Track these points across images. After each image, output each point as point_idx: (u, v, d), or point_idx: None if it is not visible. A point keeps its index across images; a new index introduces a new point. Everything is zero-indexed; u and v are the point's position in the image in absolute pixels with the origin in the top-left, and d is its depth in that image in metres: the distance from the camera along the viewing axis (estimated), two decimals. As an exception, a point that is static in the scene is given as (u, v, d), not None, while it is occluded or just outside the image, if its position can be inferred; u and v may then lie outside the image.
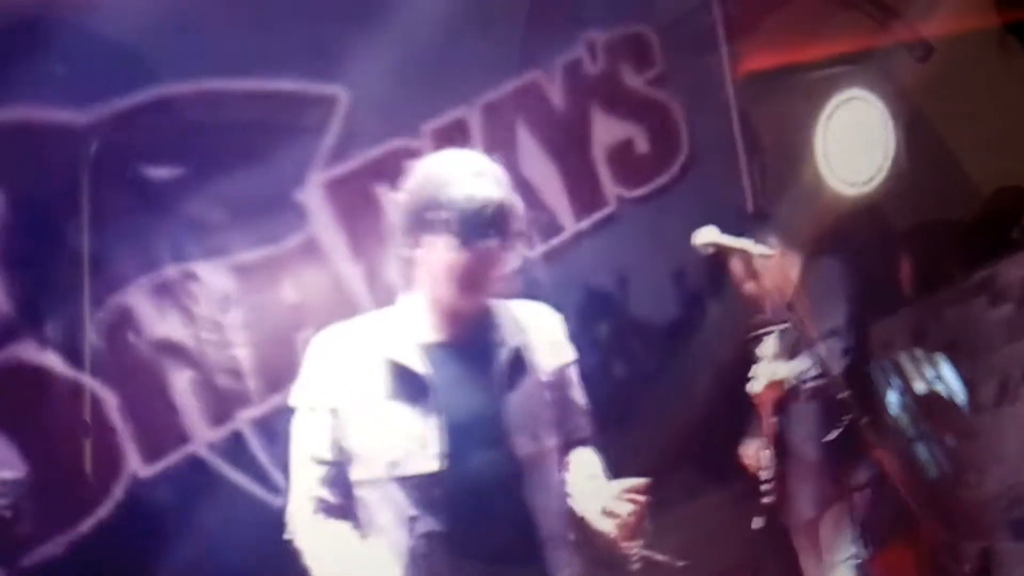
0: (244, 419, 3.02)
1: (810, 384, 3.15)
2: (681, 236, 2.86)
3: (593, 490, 2.26)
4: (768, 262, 3.04)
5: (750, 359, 3.25)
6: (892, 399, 4.27)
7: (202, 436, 2.95)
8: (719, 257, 3.02)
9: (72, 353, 2.74)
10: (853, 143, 4.89)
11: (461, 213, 2.15)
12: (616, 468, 2.82)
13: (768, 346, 3.24)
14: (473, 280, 2.23)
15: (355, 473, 2.26)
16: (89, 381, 2.77)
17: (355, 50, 3.37)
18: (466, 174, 2.19)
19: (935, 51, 4.54)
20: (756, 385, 3.19)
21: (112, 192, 2.83)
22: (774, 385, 3.21)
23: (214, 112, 3.11)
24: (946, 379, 4.17)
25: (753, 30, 4.52)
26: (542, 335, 2.36)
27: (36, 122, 2.82)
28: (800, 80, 4.83)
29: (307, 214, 3.38)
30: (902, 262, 4.91)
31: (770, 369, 3.21)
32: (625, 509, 2.13)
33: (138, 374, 2.85)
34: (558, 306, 2.62)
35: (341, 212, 3.46)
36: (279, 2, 3.25)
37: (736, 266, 3.34)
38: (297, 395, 2.27)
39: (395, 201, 2.17)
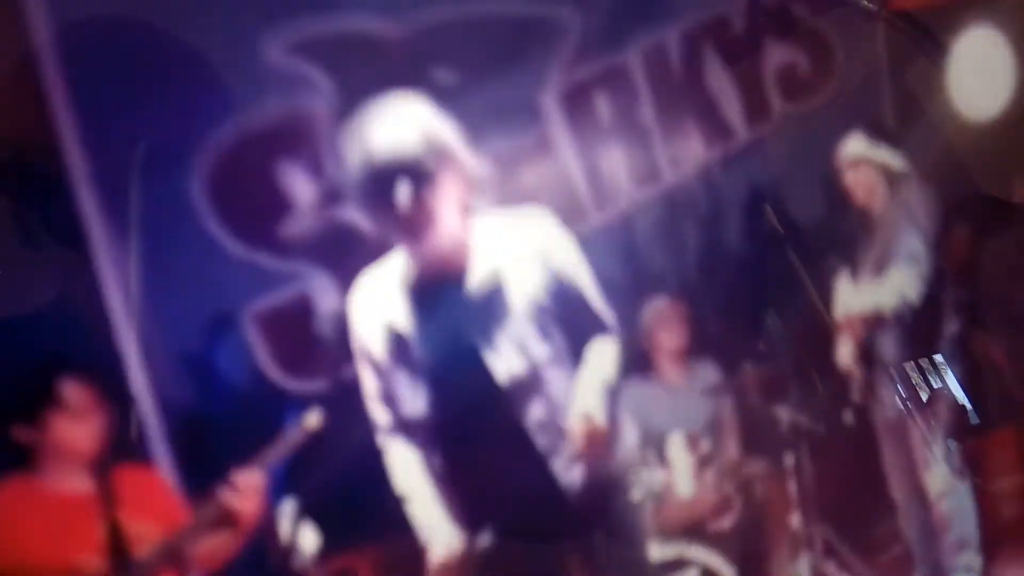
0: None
1: (888, 313, 3.52)
2: (829, 148, 3.39)
3: (575, 394, 2.37)
4: (868, 175, 3.43)
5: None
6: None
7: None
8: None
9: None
10: (981, 76, 5.42)
11: (362, 184, 2.29)
12: (770, 347, 3.39)
13: (843, 274, 3.64)
14: (413, 230, 2.35)
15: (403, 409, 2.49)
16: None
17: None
18: (361, 139, 2.28)
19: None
20: (838, 312, 3.57)
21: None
22: (851, 318, 3.59)
23: (477, 34, 3.66)
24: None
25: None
26: (524, 247, 2.46)
27: (364, 32, 3.45)
28: (940, 15, 5.35)
29: (543, 115, 4.07)
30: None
31: (847, 300, 3.61)
32: (577, 428, 2.29)
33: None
34: (730, 205, 3.15)
35: (569, 116, 4.13)
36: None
37: (858, 176, 3.71)
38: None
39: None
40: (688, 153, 3.98)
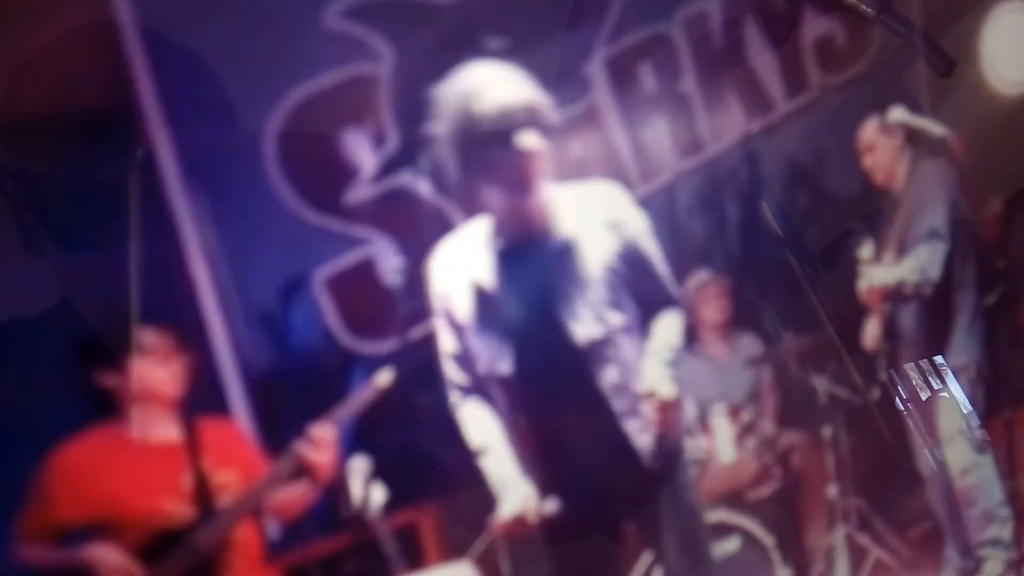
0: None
1: (909, 289, 3.59)
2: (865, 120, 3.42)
3: (645, 366, 2.51)
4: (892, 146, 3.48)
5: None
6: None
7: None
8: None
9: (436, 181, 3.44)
10: (1013, 48, 5.47)
11: (473, 131, 2.39)
12: (809, 318, 3.46)
13: (866, 249, 3.72)
14: (520, 182, 2.48)
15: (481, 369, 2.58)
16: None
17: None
18: (489, 85, 2.42)
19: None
20: (860, 286, 3.64)
21: (466, 60, 3.51)
22: (873, 290, 3.66)
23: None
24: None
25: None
26: (599, 215, 2.56)
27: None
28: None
29: (591, 84, 4.13)
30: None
31: (869, 274, 3.68)
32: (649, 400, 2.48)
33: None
34: (769, 178, 3.21)
35: (615, 86, 4.20)
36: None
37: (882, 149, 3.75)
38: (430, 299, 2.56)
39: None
40: (729, 124, 4.03)
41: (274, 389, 2.91)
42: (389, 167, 3.17)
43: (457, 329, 2.68)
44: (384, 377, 2.94)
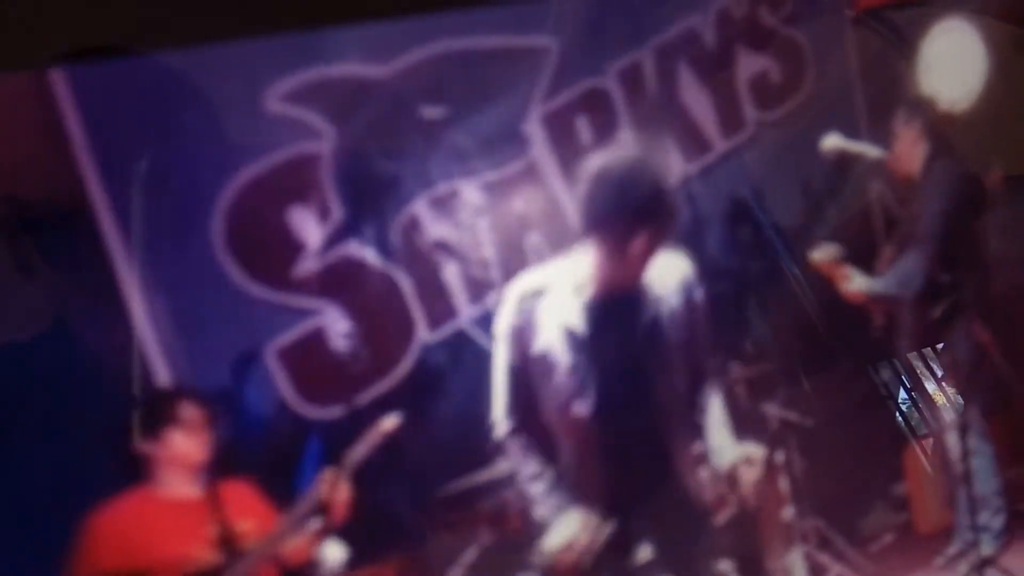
0: (492, 300, 3.98)
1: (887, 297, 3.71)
2: (807, 151, 3.56)
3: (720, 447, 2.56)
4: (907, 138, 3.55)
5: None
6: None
7: (465, 312, 3.91)
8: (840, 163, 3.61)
9: (382, 248, 3.61)
10: (951, 67, 5.63)
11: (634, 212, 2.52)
12: (755, 348, 3.58)
13: (822, 252, 3.85)
14: (632, 266, 2.58)
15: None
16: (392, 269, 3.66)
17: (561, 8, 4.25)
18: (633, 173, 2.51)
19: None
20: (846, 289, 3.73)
21: (404, 131, 3.69)
22: (857, 292, 3.77)
23: (465, 67, 3.93)
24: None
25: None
26: (673, 282, 2.69)
27: (354, 76, 3.71)
28: (908, 13, 5.57)
29: (529, 142, 4.30)
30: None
31: (851, 282, 3.81)
32: (746, 479, 2.52)
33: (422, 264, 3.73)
34: (708, 216, 3.33)
35: (553, 141, 4.36)
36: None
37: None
38: (497, 325, 2.69)
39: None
40: (667, 169, 4.19)
41: (235, 461, 3.10)
42: (335, 238, 3.32)
43: (534, 366, 2.76)
44: (390, 421, 3.17)
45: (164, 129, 3.16)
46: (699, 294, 2.83)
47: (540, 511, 2.81)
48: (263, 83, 3.38)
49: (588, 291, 2.76)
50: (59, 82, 3.19)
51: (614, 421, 2.67)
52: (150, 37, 2.98)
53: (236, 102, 3.31)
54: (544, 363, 2.76)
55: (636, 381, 2.69)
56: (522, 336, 2.86)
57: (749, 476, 2.44)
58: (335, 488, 3.15)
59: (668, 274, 2.79)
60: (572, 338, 2.68)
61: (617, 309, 2.72)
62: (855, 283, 3.87)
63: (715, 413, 2.71)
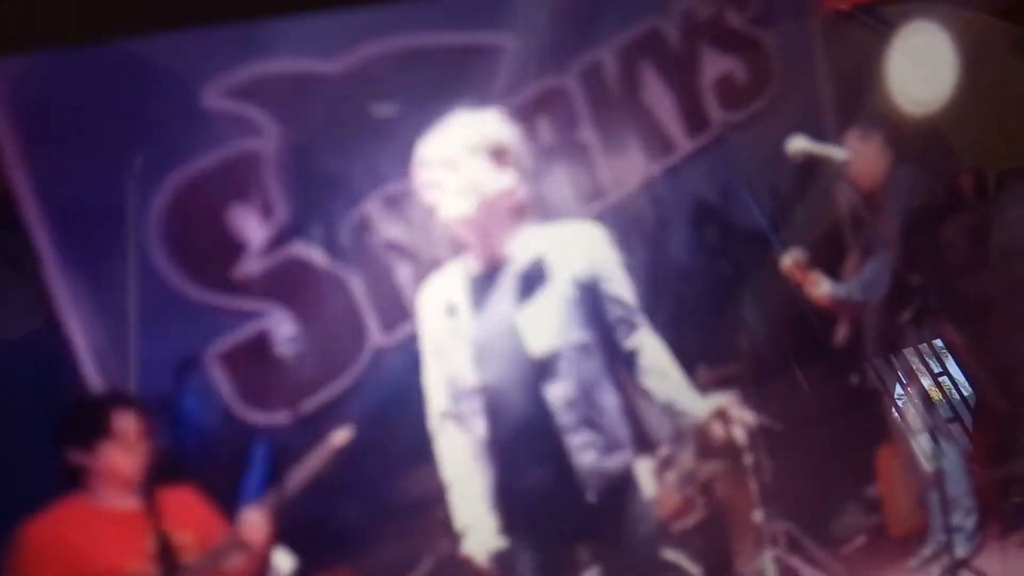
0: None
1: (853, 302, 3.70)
2: (773, 154, 3.52)
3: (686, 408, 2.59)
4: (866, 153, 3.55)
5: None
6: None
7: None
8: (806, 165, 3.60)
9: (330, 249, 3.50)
10: (920, 69, 5.59)
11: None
12: (722, 351, 3.51)
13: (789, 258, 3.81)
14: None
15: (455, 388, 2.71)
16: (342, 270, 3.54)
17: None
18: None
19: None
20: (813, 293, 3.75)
21: (354, 127, 3.58)
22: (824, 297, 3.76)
23: (414, 64, 3.83)
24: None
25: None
26: (574, 247, 2.76)
27: (300, 71, 3.59)
28: (876, 14, 5.52)
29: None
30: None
31: (818, 286, 3.82)
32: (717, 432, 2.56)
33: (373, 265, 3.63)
34: (674, 217, 3.25)
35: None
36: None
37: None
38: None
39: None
40: (630, 170, 4.09)
41: (172, 468, 2.97)
42: (280, 239, 3.21)
43: (436, 352, 2.82)
44: (341, 435, 3.07)
45: (97, 124, 3.01)
46: (605, 258, 2.81)
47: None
48: (202, 77, 3.25)
49: (465, 271, 2.81)
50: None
51: (495, 388, 2.71)
52: (84, 25, 2.83)
53: (173, 97, 3.19)
54: (443, 348, 2.82)
55: (511, 343, 2.71)
56: (426, 328, 2.90)
57: (725, 430, 2.42)
58: (254, 527, 3.07)
59: (568, 239, 2.82)
60: (453, 317, 2.77)
61: (490, 279, 2.79)
62: (822, 288, 3.80)
63: (670, 378, 2.74)
